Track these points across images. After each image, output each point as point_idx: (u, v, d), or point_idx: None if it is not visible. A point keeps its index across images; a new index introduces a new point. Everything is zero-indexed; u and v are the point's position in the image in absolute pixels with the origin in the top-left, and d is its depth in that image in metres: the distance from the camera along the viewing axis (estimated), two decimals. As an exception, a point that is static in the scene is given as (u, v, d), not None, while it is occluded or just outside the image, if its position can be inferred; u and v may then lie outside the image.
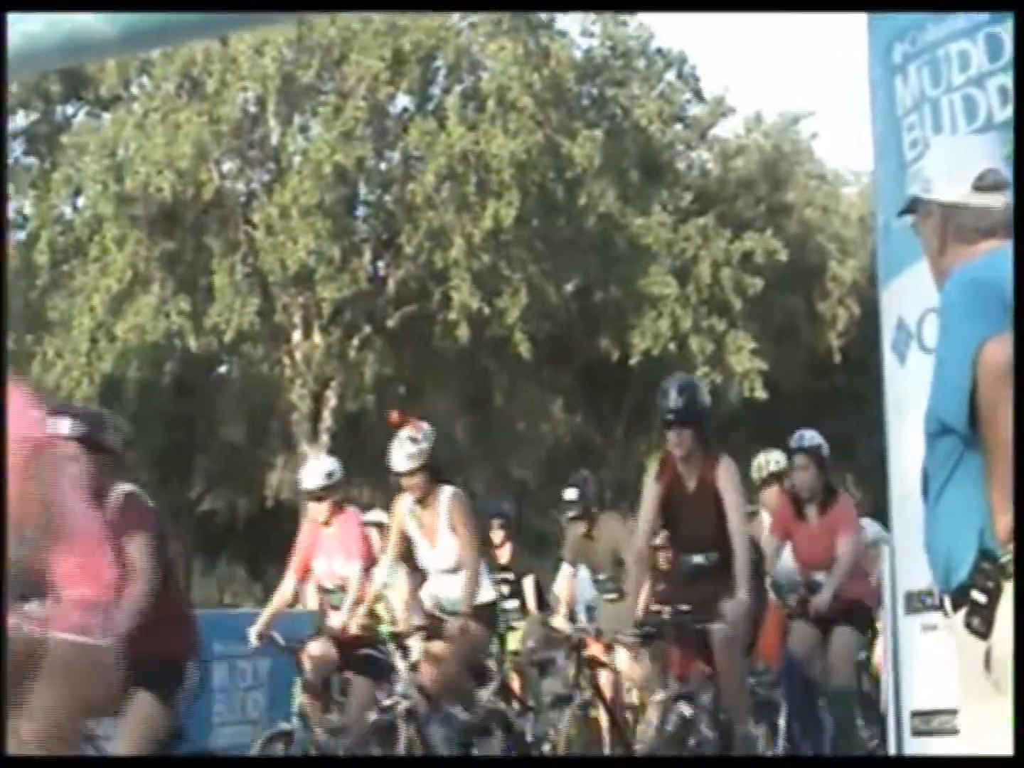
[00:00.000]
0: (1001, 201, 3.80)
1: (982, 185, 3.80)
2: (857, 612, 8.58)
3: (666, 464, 7.74)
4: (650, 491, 7.75)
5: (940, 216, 3.83)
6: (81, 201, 26.91)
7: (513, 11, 25.07)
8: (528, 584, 11.48)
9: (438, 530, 8.32)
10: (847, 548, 8.55)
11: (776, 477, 10.06)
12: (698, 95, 30.07)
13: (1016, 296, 3.51)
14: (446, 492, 8.37)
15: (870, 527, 9.91)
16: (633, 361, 27.60)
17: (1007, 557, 3.49)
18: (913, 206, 3.95)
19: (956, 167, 3.85)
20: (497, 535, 11.51)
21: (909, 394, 5.34)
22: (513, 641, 10.85)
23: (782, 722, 8.12)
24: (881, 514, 5.57)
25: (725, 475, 7.64)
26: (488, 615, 8.42)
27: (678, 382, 7.87)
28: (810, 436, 9.20)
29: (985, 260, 3.71)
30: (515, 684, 10.57)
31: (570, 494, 10.76)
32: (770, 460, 10.31)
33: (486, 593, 8.42)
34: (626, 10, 27.93)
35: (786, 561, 9.04)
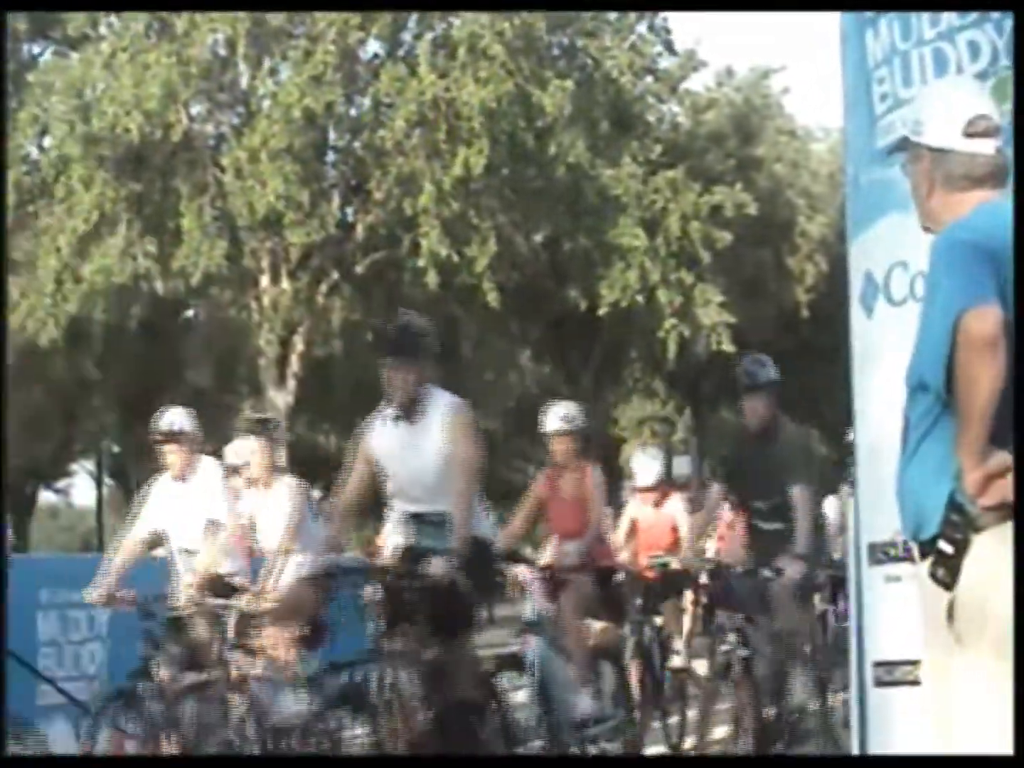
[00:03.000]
0: (991, 147, 3.78)
1: (972, 131, 3.78)
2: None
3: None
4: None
5: (929, 160, 3.82)
6: (47, 141, 26.68)
7: (512, 11, 25.12)
8: None
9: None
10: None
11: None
12: (669, 48, 29.96)
13: (1016, 291, 3.51)
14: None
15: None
16: (601, 312, 27.62)
17: (976, 511, 3.52)
18: (902, 146, 3.93)
19: (947, 111, 3.83)
20: None
21: (876, 347, 5.36)
22: None
23: None
24: (847, 467, 5.59)
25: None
26: None
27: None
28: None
29: (974, 218, 3.69)
30: None
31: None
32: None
33: None
34: (626, 9, 27.93)
35: None
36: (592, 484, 9.18)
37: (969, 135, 3.77)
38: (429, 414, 6.98)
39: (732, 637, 7.99)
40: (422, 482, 6.96)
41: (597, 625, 9.10)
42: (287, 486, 9.02)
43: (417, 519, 6.98)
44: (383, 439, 7.06)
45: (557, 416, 9.24)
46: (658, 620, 10.20)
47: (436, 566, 6.59)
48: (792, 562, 7.88)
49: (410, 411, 6.97)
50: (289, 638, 8.19)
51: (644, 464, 11.46)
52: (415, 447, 6.94)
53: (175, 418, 8.68)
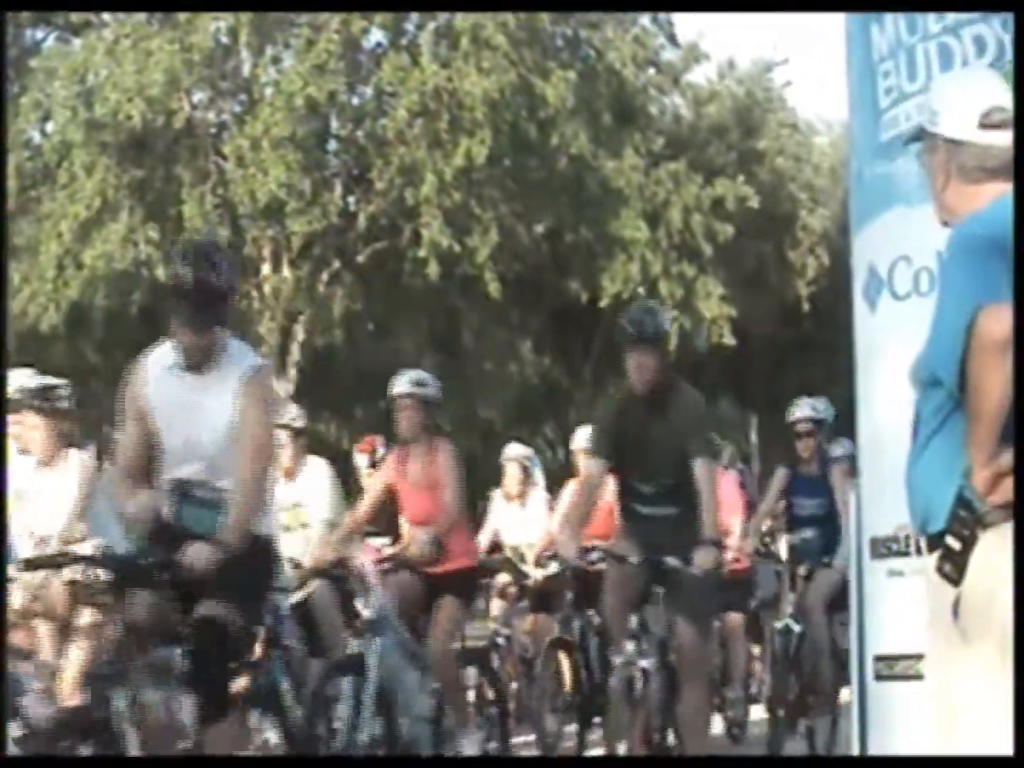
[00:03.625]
0: (1006, 139, 3.75)
1: (987, 122, 3.75)
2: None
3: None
4: None
5: (944, 151, 3.79)
6: (50, 127, 26.64)
7: (512, 11, 25.11)
8: None
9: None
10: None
11: None
12: (672, 40, 29.91)
13: (1016, 291, 3.49)
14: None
15: None
16: (603, 304, 27.60)
17: (984, 508, 3.52)
18: (918, 136, 3.91)
19: (963, 102, 3.81)
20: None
21: (879, 341, 5.36)
22: None
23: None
24: (850, 461, 5.58)
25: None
26: None
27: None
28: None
29: (990, 211, 3.66)
30: None
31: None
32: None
33: None
34: (629, 10, 27.90)
35: None
36: (444, 464, 7.94)
37: (984, 126, 3.74)
38: (223, 367, 5.66)
39: (630, 647, 6.88)
40: (199, 446, 5.63)
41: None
42: (74, 462, 7.87)
43: (183, 490, 5.64)
44: (158, 387, 5.76)
45: (405, 379, 8.12)
46: (592, 614, 9.42)
47: (195, 554, 5.28)
48: (703, 550, 6.59)
49: (198, 358, 5.64)
50: (49, 634, 7.32)
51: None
52: (198, 402, 5.63)
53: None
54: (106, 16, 26.55)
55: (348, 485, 10.98)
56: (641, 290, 27.40)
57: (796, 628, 9.42)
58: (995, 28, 5.20)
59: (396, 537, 9.32)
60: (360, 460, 10.52)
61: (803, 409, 9.97)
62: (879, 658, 5.16)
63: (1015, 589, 3.49)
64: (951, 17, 5.26)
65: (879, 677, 5.15)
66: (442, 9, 25.55)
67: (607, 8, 26.95)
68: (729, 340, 27.87)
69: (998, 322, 3.42)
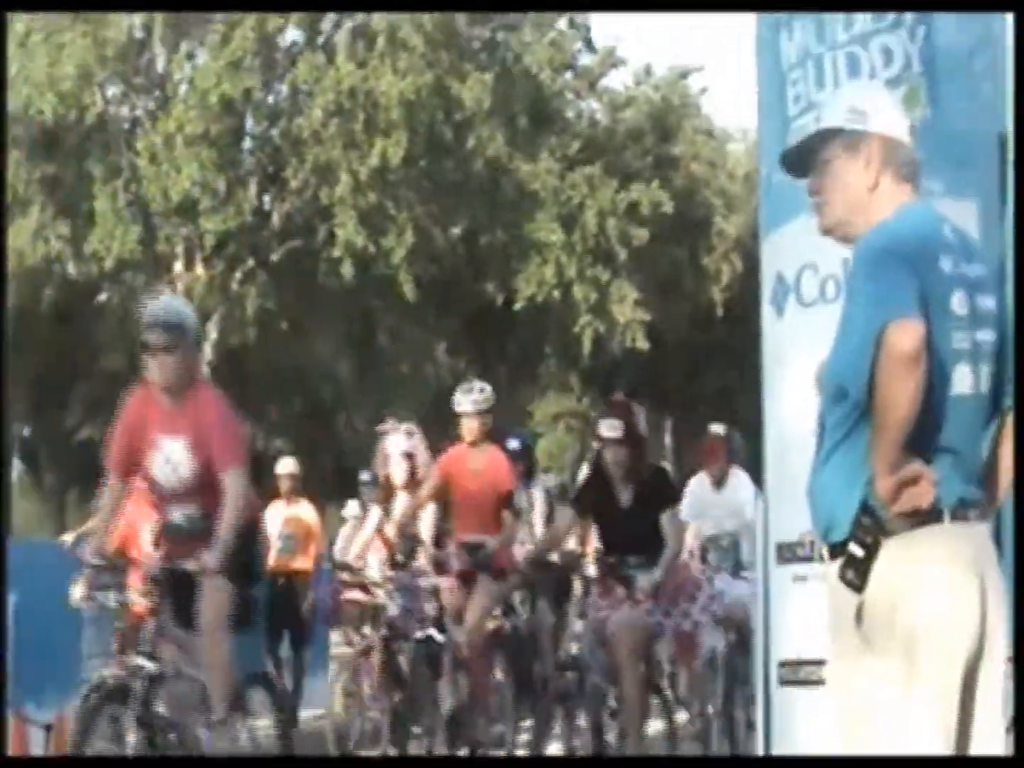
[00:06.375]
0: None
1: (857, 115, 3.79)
2: None
3: None
4: None
5: (879, 149, 3.78)
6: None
7: (505, 11, 25.10)
8: None
9: None
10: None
11: None
12: (589, 45, 30.04)
13: (1016, 294, 3.50)
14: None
15: None
16: (517, 307, 27.64)
17: (888, 516, 3.54)
18: (816, 142, 3.86)
19: (894, 105, 3.82)
20: None
21: (786, 347, 5.38)
22: None
23: None
24: (757, 466, 5.62)
25: None
26: None
27: None
28: None
29: (896, 222, 3.67)
30: None
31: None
32: None
33: None
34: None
35: None
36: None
37: (852, 118, 3.77)
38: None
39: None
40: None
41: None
42: None
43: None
44: None
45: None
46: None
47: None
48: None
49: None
50: None
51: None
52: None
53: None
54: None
55: (263, 483, 11.05)
56: (556, 293, 27.48)
57: None
58: (903, 39, 5.24)
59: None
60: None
61: None
62: (783, 663, 5.19)
63: (1014, 588, 3.51)
64: (858, 27, 5.28)
65: (783, 682, 5.18)
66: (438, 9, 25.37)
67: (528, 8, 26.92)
68: (643, 344, 27.98)
69: (906, 336, 3.44)
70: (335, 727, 9.61)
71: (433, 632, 9.42)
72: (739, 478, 10.64)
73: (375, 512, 10.88)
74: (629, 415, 7.97)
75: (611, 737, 7.77)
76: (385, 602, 9.95)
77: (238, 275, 26.87)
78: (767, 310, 5.52)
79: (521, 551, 9.55)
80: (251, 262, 26.95)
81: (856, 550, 3.56)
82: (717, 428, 11.02)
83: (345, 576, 10.87)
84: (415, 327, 28.77)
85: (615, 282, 28.13)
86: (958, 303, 3.60)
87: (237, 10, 24.74)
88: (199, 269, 26.63)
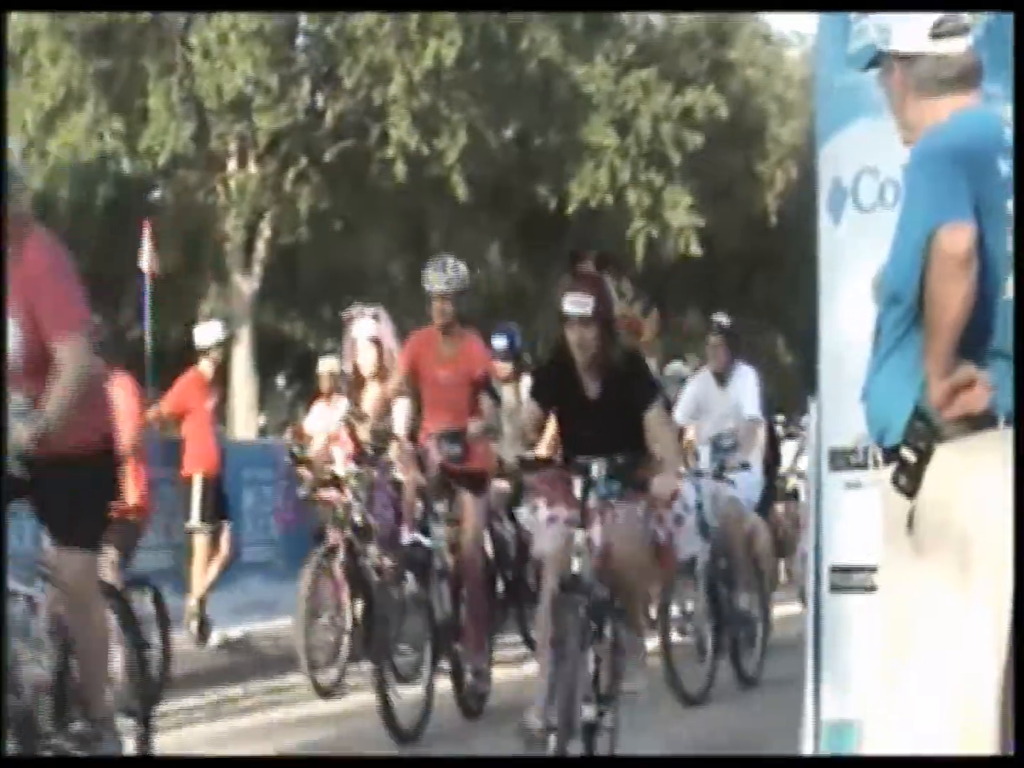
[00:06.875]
0: (961, 47, 3.72)
1: (939, 31, 3.72)
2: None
3: None
4: None
5: (900, 68, 3.76)
6: (13, 14, 26.26)
7: (511, 11, 24.79)
8: None
9: None
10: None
11: None
12: (647, -55, 29.61)
13: (1016, 290, 3.49)
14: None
15: None
16: (570, 210, 27.51)
17: (940, 421, 3.54)
18: (875, 59, 3.88)
19: (913, 14, 3.77)
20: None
21: (843, 253, 5.35)
22: None
23: None
24: (810, 374, 5.60)
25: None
26: None
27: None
28: None
29: (949, 126, 3.65)
30: None
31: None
32: None
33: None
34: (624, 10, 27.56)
35: None
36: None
37: (936, 36, 3.71)
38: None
39: None
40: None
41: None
42: None
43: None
44: None
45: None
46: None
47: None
48: None
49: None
50: None
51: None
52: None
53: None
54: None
55: (310, 384, 11.01)
56: (609, 198, 27.32)
57: None
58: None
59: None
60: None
61: None
62: (835, 569, 5.20)
63: (1015, 581, 3.50)
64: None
65: (834, 588, 5.19)
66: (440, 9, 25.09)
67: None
68: (696, 250, 27.84)
69: (957, 240, 3.43)
70: (302, 640, 9.14)
71: (419, 536, 8.38)
72: (742, 374, 9.99)
73: (342, 404, 10.35)
74: (598, 289, 6.73)
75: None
76: (349, 500, 9.43)
77: (291, 174, 26.81)
78: (824, 216, 5.48)
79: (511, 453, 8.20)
80: (304, 161, 26.88)
81: (909, 455, 3.57)
82: (719, 318, 10.21)
83: (303, 471, 10.40)
84: (467, 228, 28.66)
85: (669, 187, 27.94)
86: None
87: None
88: (252, 167, 26.61)
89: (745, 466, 9.42)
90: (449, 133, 25.76)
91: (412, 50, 25.30)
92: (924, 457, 3.55)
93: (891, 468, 3.61)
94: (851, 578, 5.12)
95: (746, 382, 9.90)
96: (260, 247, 26.86)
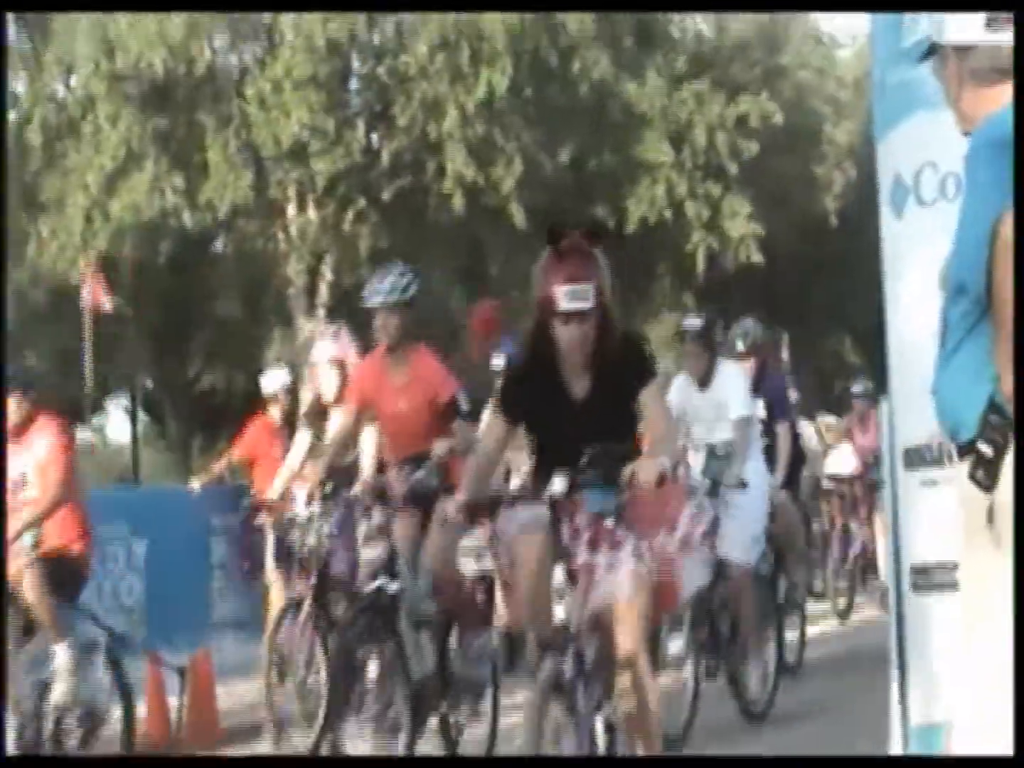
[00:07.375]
0: (1010, 36, 3.72)
1: (995, 21, 3.73)
2: None
3: None
4: None
5: (955, 59, 3.76)
6: (73, 80, 26.64)
7: (519, 11, 24.87)
8: None
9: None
10: None
11: None
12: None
13: (1016, 289, 3.49)
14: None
15: None
16: (629, 229, 27.51)
17: (1015, 413, 3.51)
18: (931, 50, 3.88)
19: (968, 8, 3.77)
20: None
21: (906, 248, 5.34)
22: None
23: None
24: (879, 372, 5.58)
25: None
26: None
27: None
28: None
29: (1009, 115, 3.64)
30: None
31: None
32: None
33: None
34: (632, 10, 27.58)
35: None
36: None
37: (991, 25, 3.71)
38: None
39: None
40: None
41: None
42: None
43: None
44: None
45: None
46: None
47: None
48: None
49: None
50: None
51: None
52: None
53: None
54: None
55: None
56: (667, 213, 27.29)
57: None
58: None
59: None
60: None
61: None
62: (915, 569, 5.18)
63: (1015, 587, 3.48)
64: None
65: (916, 588, 5.16)
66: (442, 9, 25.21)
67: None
68: (757, 258, 27.77)
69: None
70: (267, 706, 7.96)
71: (383, 581, 7.45)
72: (725, 372, 9.30)
73: (303, 437, 9.28)
74: (595, 271, 5.59)
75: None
76: (313, 544, 7.99)
77: (350, 215, 26.97)
78: (885, 212, 5.48)
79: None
80: (362, 201, 27.04)
81: (985, 449, 3.54)
82: (688, 323, 9.52)
83: (264, 517, 9.74)
84: (526, 256, 28.72)
85: (727, 197, 27.89)
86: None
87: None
88: (311, 211, 26.80)
89: (742, 484, 8.70)
90: (504, 161, 25.85)
91: (464, 82, 25.43)
92: (1001, 450, 3.51)
93: (967, 463, 3.59)
94: (932, 576, 5.09)
95: (731, 380, 9.26)
96: (322, 290, 27.04)
